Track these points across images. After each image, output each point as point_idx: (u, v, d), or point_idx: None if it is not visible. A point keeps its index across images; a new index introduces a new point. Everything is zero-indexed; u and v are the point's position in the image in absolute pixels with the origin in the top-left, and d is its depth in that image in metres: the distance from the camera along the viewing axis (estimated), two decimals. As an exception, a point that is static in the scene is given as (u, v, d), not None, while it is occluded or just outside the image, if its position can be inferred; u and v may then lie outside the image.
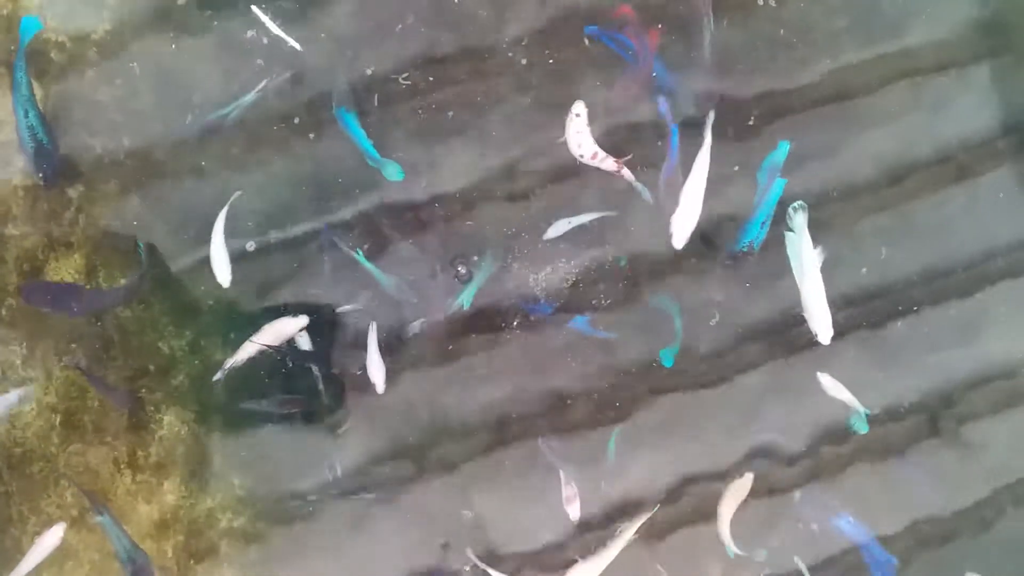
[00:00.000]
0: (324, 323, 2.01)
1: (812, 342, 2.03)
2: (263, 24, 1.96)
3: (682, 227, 1.96)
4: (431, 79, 2.01)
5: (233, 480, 2.02)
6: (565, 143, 1.99)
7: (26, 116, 1.91)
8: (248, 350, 1.98)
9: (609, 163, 1.99)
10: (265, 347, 1.97)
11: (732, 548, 2.03)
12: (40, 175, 1.96)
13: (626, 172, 1.99)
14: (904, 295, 2.11)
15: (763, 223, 1.97)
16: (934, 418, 2.11)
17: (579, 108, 1.98)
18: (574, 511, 2.03)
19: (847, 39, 2.08)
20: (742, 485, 2.04)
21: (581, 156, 1.99)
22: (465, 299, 2.02)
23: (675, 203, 1.96)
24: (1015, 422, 2.13)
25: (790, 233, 1.94)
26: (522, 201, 2.04)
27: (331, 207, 2.01)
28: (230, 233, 1.97)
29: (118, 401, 2.01)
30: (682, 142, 1.98)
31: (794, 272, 1.96)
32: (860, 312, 2.08)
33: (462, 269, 2.01)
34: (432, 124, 2.02)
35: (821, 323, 1.95)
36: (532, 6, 2.02)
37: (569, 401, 2.06)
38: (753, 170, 2.01)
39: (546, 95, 2.01)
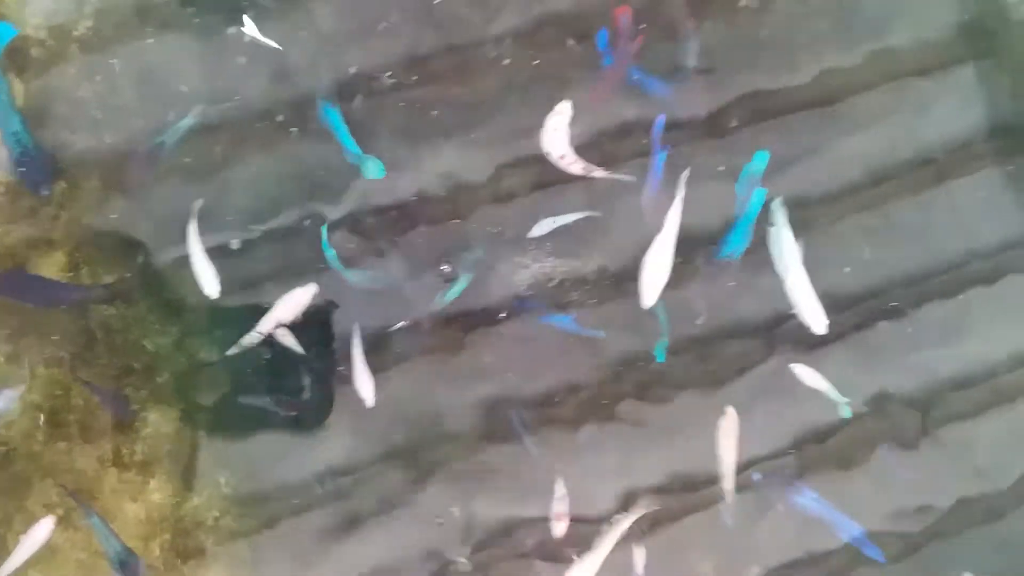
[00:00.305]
0: (310, 321, 1.99)
1: (797, 341, 2.04)
2: (246, 23, 1.94)
3: (651, 286, 1.93)
4: (415, 78, 1.99)
5: (220, 478, 1.99)
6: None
7: (8, 123, 1.88)
8: (266, 325, 1.95)
9: (577, 167, 1.95)
10: (281, 323, 1.94)
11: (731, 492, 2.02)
12: (29, 184, 1.92)
13: (598, 173, 1.96)
14: (887, 295, 2.10)
15: (744, 233, 1.97)
16: (917, 418, 2.10)
17: (564, 107, 1.95)
18: (560, 528, 2.00)
19: (830, 41, 2.07)
20: (729, 422, 2.02)
21: (549, 153, 1.96)
22: (449, 298, 2.00)
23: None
24: (997, 422, 2.12)
25: (772, 228, 1.94)
26: (507, 200, 2.02)
27: (315, 205, 1.98)
28: (215, 230, 1.95)
29: (117, 411, 1.98)
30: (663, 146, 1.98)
31: (777, 268, 1.96)
32: (844, 312, 2.06)
33: (446, 268, 2.01)
34: (416, 123, 1.99)
35: (812, 314, 1.95)
36: (517, 6, 2.00)
37: (556, 399, 2.04)
38: (737, 171, 2.00)
39: (531, 95, 2.00)
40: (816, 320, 1.95)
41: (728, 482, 2.01)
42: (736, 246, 1.97)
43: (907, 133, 2.10)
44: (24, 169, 1.91)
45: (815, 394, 2.04)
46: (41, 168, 1.92)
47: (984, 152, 2.13)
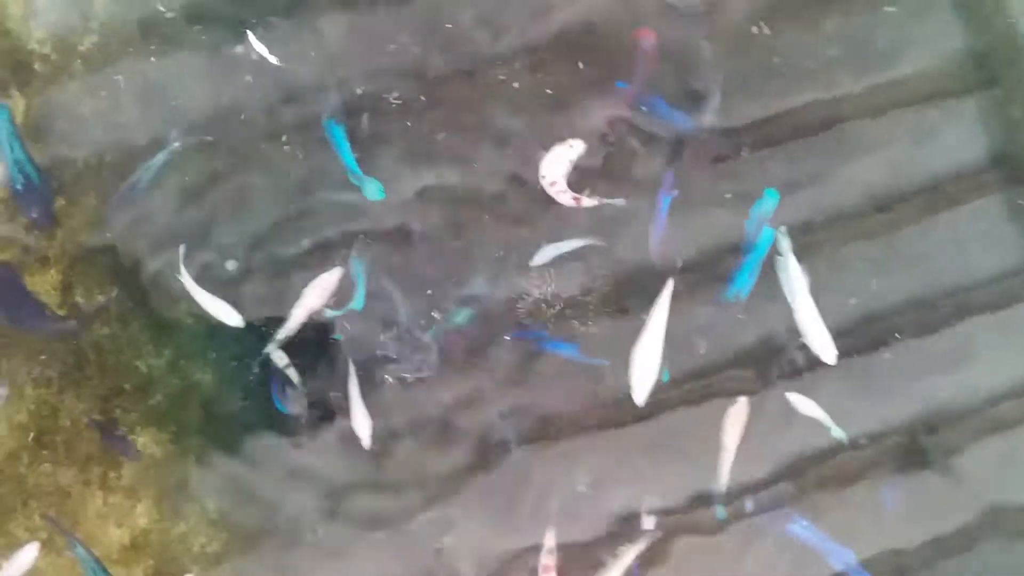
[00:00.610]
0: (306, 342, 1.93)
1: (797, 368, 2.00)
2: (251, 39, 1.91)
3: (642, 383, 1.90)
4: (422, 99, 1.95)
5: (207, 504, 1.92)
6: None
7: (12, 151, 1.82)
8: (299, 316, 1.88)
9: (566, 198, 1.92)
10: (313, 310, 1.89)
11: (724, 482, 1.95)
12: (32, 216, 1.86)
13: (586, 202, 1.93)
14: (890, 323, 2.06)
15: (751, 273, 1.94)
16: (917, 446, 2.05)
17: (576, 144, 1.93)
18: None
19: (840, 68, 2.04)
20: (739, 411, 1.96)
21: (544, 177, 1.92)
22: (449, 326, 1.96)
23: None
24: (997, 451, 2.07)
25: (779, 258, 1.91)
26: (510, 225, 1.97)
27: (316, 227, 1.94)
28: (212, 250, 1.91)
29: (124, 450, 1.91)
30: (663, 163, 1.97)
31: (787, 296, 1.92)
32: (846, 339, 2.00)
33: (436, 316, 1.96)
34: (422, 145, 1.95)
35: (821, 344, 1.92)
36: (527, 28, 1.98)
37: (556, 426, 1.98)
38: (744, 197, 1.96)
39: (539, 119, 1.97)
40: (825, 349, 1.91)
41: (724, 474, 1.96)
42: (743, 285, 1.94)
43: (913, 161, 2.07)
44: (27, 202, 1.85)
45: (811, 421, 1.99)
46: (44, 200, 1.87)
47: (990, 181, 2.10)
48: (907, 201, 2.09)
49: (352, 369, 1.92)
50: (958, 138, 2.10)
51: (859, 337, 2.05)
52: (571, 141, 1.93)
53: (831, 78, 2.05)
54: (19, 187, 1.83)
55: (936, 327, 2.09)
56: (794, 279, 1.90)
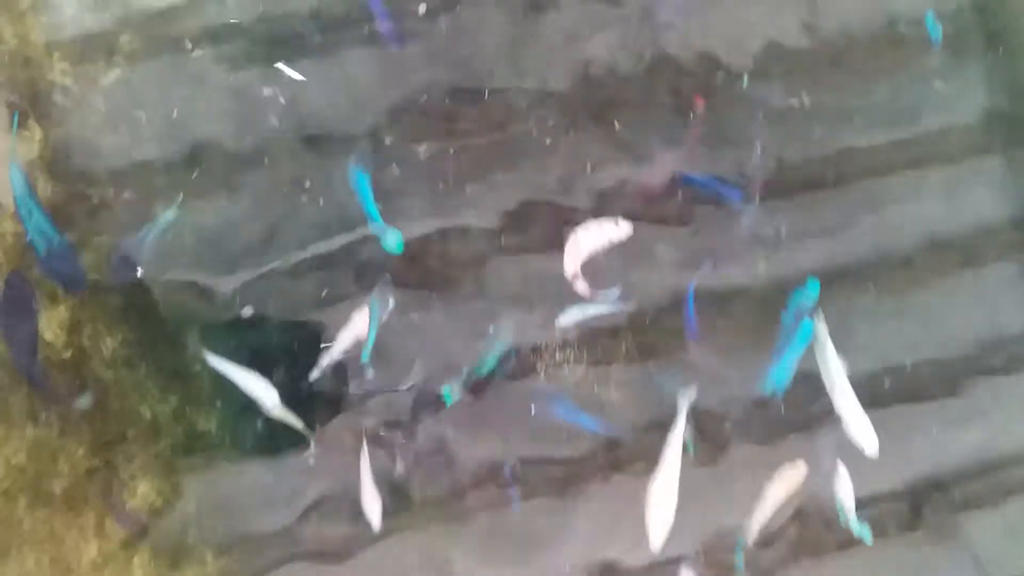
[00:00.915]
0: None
1: (808, 424, 1.95)
2: (282, 84, 1.87)
3: (658, 531, 1.83)
4: (451, 152, 1.91)
5: (207, 556, 1.85)
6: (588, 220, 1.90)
7: (31, 216, 1.75)
8: (345, 341, 1.84)
9: (571, 267, 1.88)
10: (359, 337, 1.84)
11: (754, 534, 1.88)
12: (60, 282, 1.79)
13: (580, 286, 1.89)
14: (904, 380, 2.01)
15: (788, 367, 1.86)
16: (926, 506, 2.01)
17: (624, 225, 1.88)
18: None
19: (869, 124, 2.02)
20: (795, 475, 1.89)
21: (574, 230, 1.88)
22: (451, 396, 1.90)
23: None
24: (1008, 514, 2.02)
25: (817, 345, 1.85)
26: (537, 282, 1.92)
27: (335, 274, 1.89)
28: (230, 295, 1.87)
29: (128, 524, 1.85)
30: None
31: (825, 384, 1.86)
32: (857, 394, 1.91)
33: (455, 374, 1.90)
34: (448, 197, 1.91)
35: (862, 434, 1.84)
36: (561, 85, 1.94)
37: (566, 485, 1.93)
38: (767, 251, 1.95)
39: (572, 180, 1.93)
40: (867, 441, 1.84)
41: (755, 526, 1.90)
42: (781, 380, 1.87)
43: (935, 218, 2.04)
44: (53, 268, 1.79)
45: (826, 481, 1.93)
46: (70, 264, 1.80)
47: (1011, 240, 2.07)
48: (927, 257, 2.04)
49: (365, 447, 1.85)
50: (985, 196, 2.06)
51: (872, 393, 1.97)
52: (622, 224, 1.88)
53: (854, 132, 2.01)
54: (43, 255, 1.76)
55: (953, 384, 2.04)
56: (832, 367, 1.84)
